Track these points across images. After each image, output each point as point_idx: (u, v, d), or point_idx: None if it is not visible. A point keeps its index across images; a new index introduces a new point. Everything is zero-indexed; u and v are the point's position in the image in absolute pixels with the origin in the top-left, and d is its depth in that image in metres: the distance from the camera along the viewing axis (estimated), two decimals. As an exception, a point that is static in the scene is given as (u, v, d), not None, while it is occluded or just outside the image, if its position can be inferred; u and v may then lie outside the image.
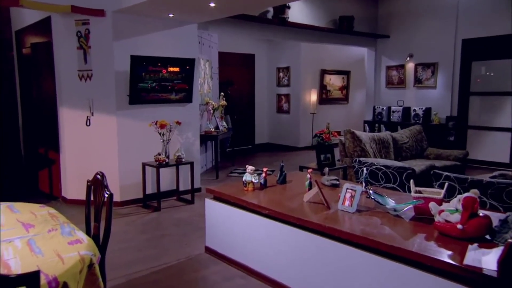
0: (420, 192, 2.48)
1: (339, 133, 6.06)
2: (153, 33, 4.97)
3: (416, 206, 2.42)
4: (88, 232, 2.24)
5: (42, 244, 1.75)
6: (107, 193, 2.06)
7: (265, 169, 3.29)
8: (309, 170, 3.11)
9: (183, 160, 4.99)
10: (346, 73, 10.23)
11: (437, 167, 5.16)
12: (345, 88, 10.35)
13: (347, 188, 2.62)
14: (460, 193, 2.79)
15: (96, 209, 2.16)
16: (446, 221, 2.12)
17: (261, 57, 9.95)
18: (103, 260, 1.99)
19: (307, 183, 3.10)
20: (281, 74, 9.91)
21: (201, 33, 6.61)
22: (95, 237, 2.11)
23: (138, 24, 4.82)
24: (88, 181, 2.28)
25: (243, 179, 3.24)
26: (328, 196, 2.84)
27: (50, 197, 5.29)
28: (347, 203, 2.57)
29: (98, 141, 4.83)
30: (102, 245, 2.03)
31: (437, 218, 2.19)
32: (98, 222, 2.15)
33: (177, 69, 5.05)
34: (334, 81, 10.11)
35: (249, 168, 3.23)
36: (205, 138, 6.65)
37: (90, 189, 2.27)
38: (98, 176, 2.18)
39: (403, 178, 3.58)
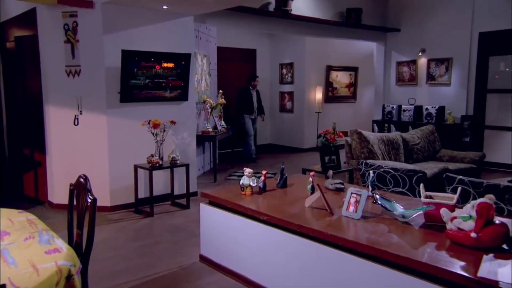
0: (431, 197, 2.46)
1: (345, 133, 6.02)
2: (146, 26, 4.96)
3: (426, 212, 2.38)
4: (70, 240, 2.20)
5: (16, 254, 1.71)
6: (90, 198, 2.04)
7: (264, 172, 3.26)
8: (311, 173, 3.08)
9: (178, 162, 4.98)
10: (353, 70, 10.19)
11: (451, 170, 5.12)
12: (353, 85, 10.31)
13: (351, 193, 2.59)
14: (474, 198, 2.75)
15: (79, 215, 2.13)
16: (459, 229, 2.08)
17: (263, 53, 9.93)
18: (86, 270, 1.95)
19: (309, 187, 3.08)
20: (284, 71, 9.89)
21: (198, 27, 6.60)
22: (77, 246, 2.07)
23: (129, 16, 4.81)
24: (71, 185, 2.25)
25: (240, 182, 3.21)
26: (332, 201, 2.81)
27: (35, 202, 5.27)
28: (351, 208, 2.54)
29: (87, 142, 4.82)
30: (84, 254, 2.00)
31: (449, 226, 2.15)
32: (81, 229, 2.11)
33: (171, 64, 5.04)
34: (341, 78, 10.07)
35: (247, 170, 3.20)
36: (202, 139, 6.63)
37: (73, 194, 2.24)
38: (81, 179, 2.15)
39: (413, 182, 3.55)
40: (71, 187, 2.24)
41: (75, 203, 2.23)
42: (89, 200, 2.01)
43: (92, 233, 2.00)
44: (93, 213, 1.99)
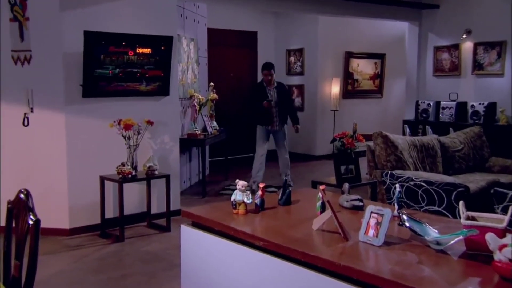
0: (473, 218, 2.40)
1: (368, 137, 5.96)
2: (116, 1, 4.95)
3: (467, 238, 2.33)
4: (7, 274, 2.16)
5: None
6: (32, 219, 2.00)
7: (261, 185, 3.20)
8: (322, 187, 3.01)
9: (157, 172, 4.98)
10: (379, 57, 10.16)
11: (502, 184, 5.08)
12: (378, 76, 10.27)
13: (371, 212, 2.53)
14: (531, 220, 2.67)
15: (18, 242, 2.09)
16: (511, 260, 2.01)
17: (265, 36, 9.92)
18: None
19: (318, 204, 3.01)
20: (292, 59, 9.87)
21: (183, 3, 6.59)
22: (15, 281, 2.03)
23: (95, -11, 4.83)
24: (8, 202, 2.22)
25: (232, 198, 3.15)
26: (347, 222, 2.75)
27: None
28: (371, 232, 2.48)
29: (39, 147, 4.81)
30: (24, 292, 1.95)
31: (498, 256, 2.09)
32: (20, 260, 2.07)
33: (148, 50, 5.04)
34: (363, 68, 10.04)
35: (240, 183, 3.13)
36: (188, 143, 6.62)
37: (11, 214, 2.20)
38: (21, 196, 2.13)
39: (452, 198, 3.50)
40: (8, 205, 2.20)
41: (14, 225, 2.18)
42: (31, 222, 1.97)
43: (33, 264, 1.96)
44: (36, 238, 1.96)
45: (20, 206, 2.12)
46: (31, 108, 4.76)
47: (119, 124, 4.77)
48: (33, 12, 4.65)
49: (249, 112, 6.98)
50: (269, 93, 6.63)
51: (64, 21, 4.69)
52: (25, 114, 4.77)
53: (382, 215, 2.47)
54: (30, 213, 2.02)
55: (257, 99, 6.63)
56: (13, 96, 4.77)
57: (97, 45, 4.69)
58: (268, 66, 6.66)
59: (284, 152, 6.98)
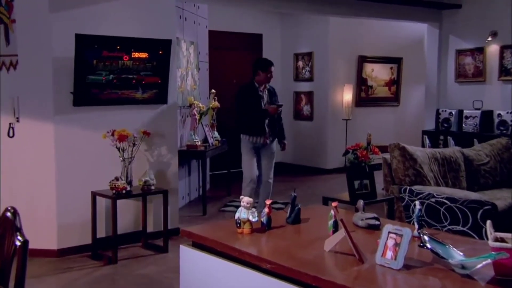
0: (502, 239, 2.40)
1: (384, 148, 5.96)
2: (110, 1, 4.98)
3: (496, 261, 2.32)
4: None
5: None
6: (19, 240, 2.00)
7: (268, 202, 3.20)
8: (334, 204, 3.02)
9: (153, 188, 4.97)
10: (396, 61, 10.17)
11: (533, 200, 5.03)
12: (395, 82, 10.28)
13: (389, 232, 2.53)
14: None
15: (3, 264, 2.10)
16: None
17: (271, 39, 9.97)
18: None
19: (330, 222, 3.02)
20: (300, 63, 9.89)
21: (182, 4, 6.64)
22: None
23: (87, -12, 4.88)
24: (-6, 220, 2.22)
25: (236, 216, 3.16)
26: (362, 243, 2.75)
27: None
28: (389, 254, 2.48)
29: (26, 160, 4.81)
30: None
31: (530, 281, 2.07)
32: (4, 285, 2.09)
33: (145, 55, 5.06)
34: (378, 73, 10.05)
35: (245, 200, 3.15)
36: (187, 155, 6.63)
37: (-4, 233, 2.19)
38: (8, 214, 2.14)
39: (478, 217, 3.49)
40: (-6, 224, 2.20)
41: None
42: (18, 243, 1.98)
43: (20, 289, 1.94)
44: (23, 261, 1.95)
45: (7, 225, 2.12)
46: (17, 118, 4.76)
47: (112, 135, 4.77)
48: (20, 14, 4.67)
49: (243, 122, 5.93)
50: (261, 96, 5.87)
51: (54, 23, 4.71)
52: (10, 124, 4.77)
53: (401, 236, 2.47)
54: (18, 233, 2.03)
55: (251, 105, 5.78)
56: (-2, 104, 4.79)
57: (90, 49, 4.70)
58: (271, 62, 5.97)
59: (270, 174, 6.07)
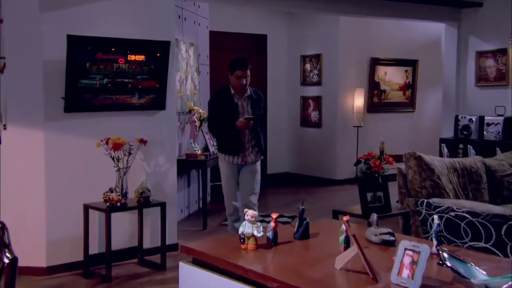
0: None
1: (398, 158, 5.95)
2: (105, 1, 5.00)
3: (521, 280, 2.29)
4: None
5: None
6: (7, 257, 2.01)
7: (274, 216, 3.20)
8: (345, 218, 3.02)
9: (150, 200, 4.97)
10: (411, 64, 10.18)
11: (560, 213, 5.00)
12: (410, 87, 10.28)
13: (405, 249, 2.52)
14: None
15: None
16: None
17: (277, 40, 10.00)
18: None
19: (341, 238, 3.02)
20: (307, 66, 9.91)
21: (181, 3, 6.67)
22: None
23: (80, -13, 4.90)
24: (-19, 235, 2.22)
25: (240, 231, 3.17)
26: (376, 260, 2.75)
27: None
28: (406, 273, 2.47)
29: (14, 170, 4.80)
30: None
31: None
32: (-8, 304, 2.07)
33: (142, 57, 5.07)
34: (392, 77, 10.06)
35: (249, 213, 3.15)
36: (187, 165, 6.63)
37: (-17, 248, 2.20)
38: (-4, 228, 2.12)
39: (502, 233, 3.47)
40: (-19, 239, 2.20)
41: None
42: (6, 261, 1.98)
43: (9, 309, 1.95)
44: (12, 279, 1.95)
45: (-6, 240, 2.12)
46: (4, 125, 4.76)
47: (107, 143, 4.76)
48: (8, 13, 4.68)
49: (215, 137, 5.50)
50: (240, 105, 5.14)
51: (45, 23, 4.72)
52: (-3, 131, 4.79)
53: (418, 253, 2.46)
54: (6, 249, 2.03)
55: (223, 116, 5.10)
56: (-17, 110, 4.80)
57: (82, 51, 4.70)
58: (243, 63, 5.12)
59: (251, 198, 5.24)
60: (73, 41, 4.64)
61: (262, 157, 5.36)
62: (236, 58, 5.27)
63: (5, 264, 1.99)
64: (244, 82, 5.04)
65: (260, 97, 5.33)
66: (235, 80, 5.05)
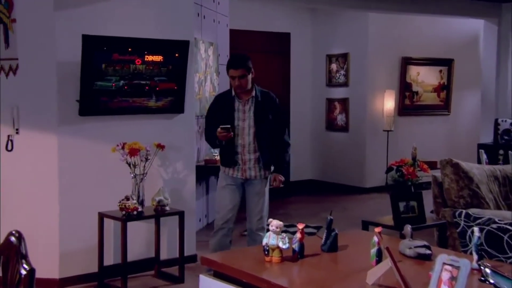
0: None
1: (433, 164, 5.90)
2: (121, -1, 5.05)
3: None
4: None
5: None
6: (25, 268, 2.02)
7: (300, 226, 3.20)
8: (377, 229, 3.01)
9: (168, 208, 4.97)
10: (446, 63, 10.10)
11: None
12: (445, 88, 10.20)
13: (444, 263, 2.49)
14: None
15: (6, 294, 2.12)
16: None
17: (301, 38, 9.98)
18: None
19: (373, 251, 3.00)
20: (333, 66, 9.89)
21: (200, 0, 6.68)
22: None
23: (96, -16, 4.94)
24: (-5, 246, 2.25)
25: (264, 242, 3.17)
26: (411, 275, 2.72)
27: None
28: (444, 289, 2.44)
29: (26, 177, 4.84)
30: None
31: None
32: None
33: (159, 58, 5.09)
34: (425, 77, 9.99)
35: (274, 223, 3.15)
36: (206, 171, 6.63)
37: (-2, 260, 2.23)
38: (12, 239, 2.16)
39: (548, 246, 3.42)
40: (-4, 250, 2.24)
41: (1, 274, 2.22)
42: (24, 272, 1.99)
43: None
44: (29, 291, 1.97)
45: (11, 251, 2.14)
46: (17, 129, 4.80)
47: (123, 148, 4.78)
48: (22, 13, 4.73)
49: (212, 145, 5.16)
50: (240, 109, 4.78)
51: (59, 23, 4.75)
52: (8, 136, 4.81)
53: (458, 268, 2.43)
54: (23, 260, 2.04)
55: (218, 121, 4.69)
56: (-5, 114, 4.85)
57: (98, 52, 4.73)
58: (234, 61, 4.81)
59: (261, 222, 4.90)
60: (88, 41, 4.67)
61: (269, 173, 4.90)
62: (232, 54, 4.99)
63: (22, 276, 2.01)
64: (238, 83, 4.65)
65: (270, 100, 4.87)
66: (231, 80, 4.74)
